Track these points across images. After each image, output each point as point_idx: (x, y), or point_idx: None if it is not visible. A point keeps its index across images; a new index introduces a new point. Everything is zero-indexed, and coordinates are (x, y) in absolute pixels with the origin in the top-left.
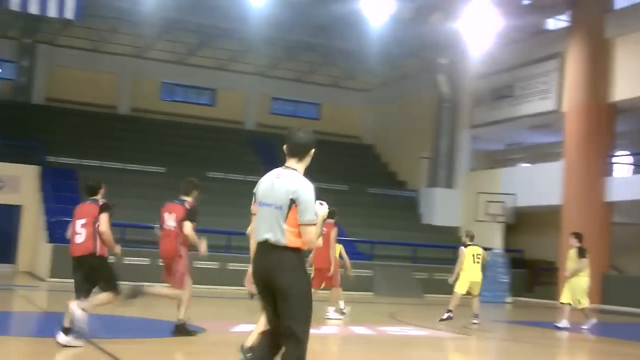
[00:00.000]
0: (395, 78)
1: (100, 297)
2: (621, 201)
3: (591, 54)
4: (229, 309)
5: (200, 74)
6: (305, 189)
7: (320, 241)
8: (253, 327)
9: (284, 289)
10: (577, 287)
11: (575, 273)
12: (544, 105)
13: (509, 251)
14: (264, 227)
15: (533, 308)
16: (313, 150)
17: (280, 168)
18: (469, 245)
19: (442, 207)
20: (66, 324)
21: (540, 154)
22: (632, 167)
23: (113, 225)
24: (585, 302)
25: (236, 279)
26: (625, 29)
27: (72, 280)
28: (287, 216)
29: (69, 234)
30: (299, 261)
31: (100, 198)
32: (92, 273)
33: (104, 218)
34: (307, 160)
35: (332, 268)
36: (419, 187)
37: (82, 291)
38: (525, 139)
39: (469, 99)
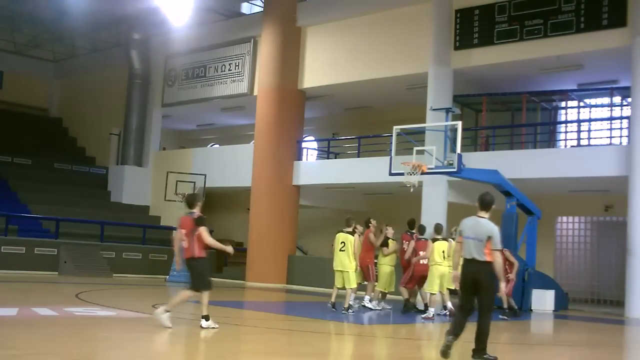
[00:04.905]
0: (86, 50)
1: None
2: (307, 185)
3: (283, 41)
4: None
5: None
6: (495, 231)
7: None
8: None
9: (484, 285)
10: (442, 275)
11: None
12: (237, 87)
13: None
14: (471, 251)
15: (221, 288)
16: (493, 205)
17: (475, 216)
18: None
19: (131, 186)
20: None
21: (232, 135)
22: (317, 152)
23: None
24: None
25: None
26: (316, 20)
27: None
28: (485, 245)
29: None
30: (490, 270)
31: None
32: None
33: None
34: (491, 211)
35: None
36: (109, 164)
37: None
38: (217, 120)
39: (161, 76)
